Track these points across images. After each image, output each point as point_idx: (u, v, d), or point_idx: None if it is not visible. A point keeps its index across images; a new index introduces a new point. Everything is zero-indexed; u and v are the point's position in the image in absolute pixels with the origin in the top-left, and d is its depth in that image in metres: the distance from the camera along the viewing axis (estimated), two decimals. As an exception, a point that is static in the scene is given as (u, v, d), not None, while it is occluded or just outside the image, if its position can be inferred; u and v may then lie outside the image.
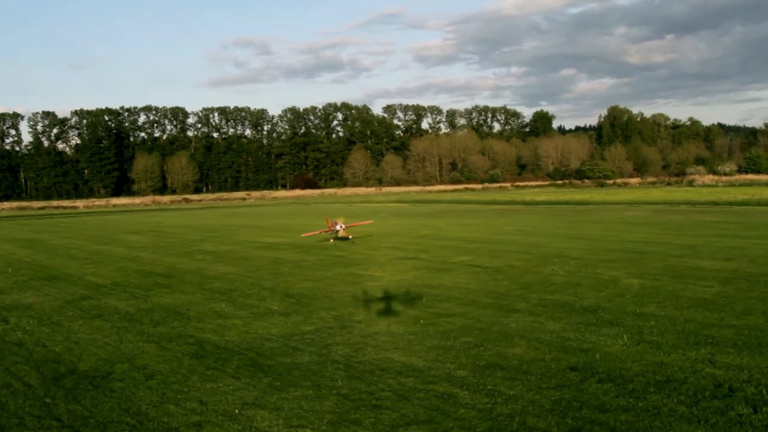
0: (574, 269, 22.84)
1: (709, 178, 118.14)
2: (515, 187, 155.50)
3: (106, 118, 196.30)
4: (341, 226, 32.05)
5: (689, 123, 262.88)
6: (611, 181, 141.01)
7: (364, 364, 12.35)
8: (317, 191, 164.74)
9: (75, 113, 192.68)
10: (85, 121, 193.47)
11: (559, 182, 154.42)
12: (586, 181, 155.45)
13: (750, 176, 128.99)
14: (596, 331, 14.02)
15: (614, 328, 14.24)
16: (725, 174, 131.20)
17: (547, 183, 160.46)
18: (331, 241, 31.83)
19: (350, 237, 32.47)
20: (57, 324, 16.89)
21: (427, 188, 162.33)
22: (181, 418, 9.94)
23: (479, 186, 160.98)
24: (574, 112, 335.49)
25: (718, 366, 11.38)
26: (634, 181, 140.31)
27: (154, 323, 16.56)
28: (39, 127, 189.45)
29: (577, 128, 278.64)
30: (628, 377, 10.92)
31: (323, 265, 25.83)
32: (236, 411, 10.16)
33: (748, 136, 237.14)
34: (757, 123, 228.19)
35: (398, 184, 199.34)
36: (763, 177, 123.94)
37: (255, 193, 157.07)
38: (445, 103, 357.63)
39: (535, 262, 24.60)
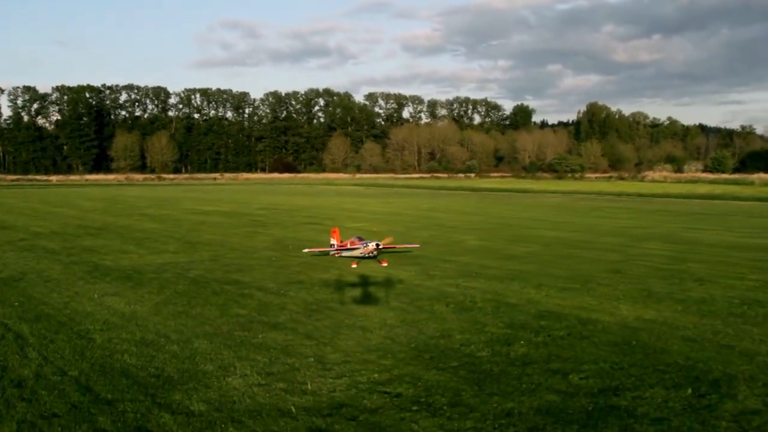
0: (439, 233, 27.63)
1: (660, 175, 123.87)
2: (480, 176, 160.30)
3: (88, 95, 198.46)
4: (374, 245, 20.09)
5: (668, 122, 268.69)
6: (571, 175, 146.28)
7: (208, 280, 17.03)
8: (290, 175, 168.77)
9: (56, 89, 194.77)
10: (66, 98, 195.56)
11: (523, 174, 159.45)
12: (554, 174, 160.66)
13: (709, 175, 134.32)
14: (405, 269, 18.89)
15: (417, 267, 19.11)
16: (692, 171, 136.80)
17: (510, 175, 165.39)
18: (354, 264, 19.55)
19: (383, 262, 19.95)
20: (-5, 255, 21.48)
21: (398, 176, 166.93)
22: (56, 299, 14.61)
23: (445, 175, 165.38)
24: (558, 108, 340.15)
25: (465, 287, 16.26)
26: (593, 175, 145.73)
27: (69, 255, 21.21)
28: (19, 102, 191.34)
29: (560, 123, 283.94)
30: (421, 293, 15.78)
31: (235, 226, 30.53)
32: (95, 296, 14.84)
33: (725, 137, 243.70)
34: (737, 125, 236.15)
35: (376, 171, 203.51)
36: (722, 176, 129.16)
37: (228, 175, 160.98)
38: (431, 93, 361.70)
39: (415, 228, 29.36)
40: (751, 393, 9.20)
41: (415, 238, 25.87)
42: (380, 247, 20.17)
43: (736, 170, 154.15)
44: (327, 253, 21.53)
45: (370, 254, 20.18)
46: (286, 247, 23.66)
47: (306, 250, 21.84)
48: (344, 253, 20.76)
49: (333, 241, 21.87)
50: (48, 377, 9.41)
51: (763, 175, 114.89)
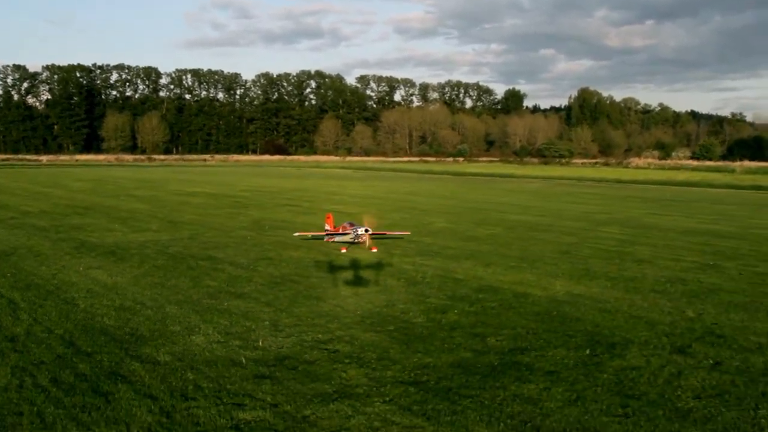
0: (410, 216, 29.20)
1: (644, 162, 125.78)
2: (468, 161, 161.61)
3: (78, 74, 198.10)
4: (363, 231, 20.33)
5: (659, 109, 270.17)
6: (558, 160, 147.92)
7: (185, 256, 18.53)
8: (280, 157, 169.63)
9: (46, 68, 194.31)
10: (56, 77, 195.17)
11: (511, 159, 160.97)
12: (541, 159, 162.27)
13: (693, 162, 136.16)
14: (388, 251, 20.44)
15: (382, 247, 20.63)
16: (681, 158, 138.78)
17: (497, 159, 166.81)
18: (343, 249, 20.15)
19: (373, 249, 20.25)
20: (-13, 232, 22.91)
21: (387, 159, 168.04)
22: (45, 271, 16.08)
23: (434, 159, 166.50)
24: (551, 92, 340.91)
25: (420, 264, 17.86)
26: (580, 161, 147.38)
27: (57, 232, 22.65)
28: (9, 81, 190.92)
29: (553, 108, 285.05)
30: (378, 269, 17.36)
31: (218, 207, 32.00)
32: (81, 269, 16.32)
33: (715, 124, 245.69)
34: (729, 113, 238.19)
35: (367, 154, 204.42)
36: (705, 164, 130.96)
37: (218, 156, 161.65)
38: (424, 76, 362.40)
39: (388, 210, 30.91)
40: (639, 354, 10.82)
41: (386, 220, 27.39)
42: (369, 232, 20.25)
43: (723, 157, 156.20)
44: (321, 238, 21.62)
45: (360, 240, 20.30)
46: (263, 227, 25.15)
47: (296, 234, 22.20)
48: (336, 238, 21.03)
49: (327, 227, 22.05)
50: (37, 334, 10.93)
51: (745, 163, 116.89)
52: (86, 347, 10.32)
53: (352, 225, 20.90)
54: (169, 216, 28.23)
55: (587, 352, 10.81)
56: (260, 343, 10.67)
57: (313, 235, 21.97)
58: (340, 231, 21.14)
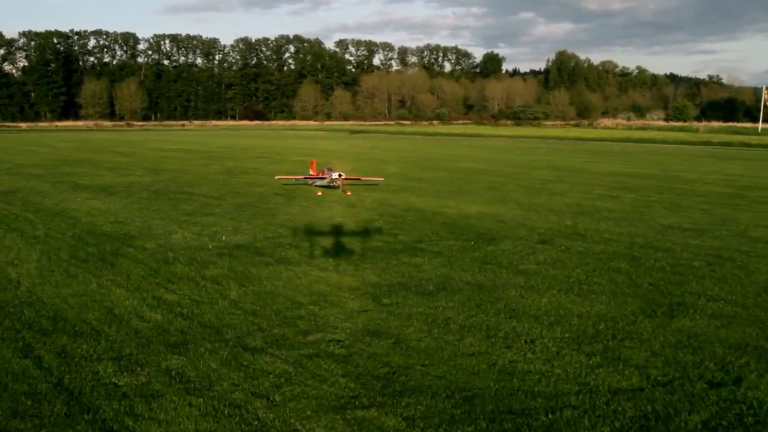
0: (368, 164, 32.64)
1: (613, 122, 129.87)
2: (445, 124, 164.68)
3: (55, 40, 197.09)
4: (337, 175, 22.27)
5: (637, 72, 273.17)
6: (530, 122, 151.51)
7: (166, 191, 21.90)
8: (258, 122, 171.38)
9: (23, 34, 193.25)
10: (33, 43, 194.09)
11: (485, 122, 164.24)
12: (516, 121, 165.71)
13: (662, 122, 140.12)
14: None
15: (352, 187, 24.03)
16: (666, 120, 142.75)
17: (471, 122, 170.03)
18: (319, 192, 21.90)
19: (348, 192, 22.00)
20: (-11, 178, 26.09)
21: (364, 123, 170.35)
22: (49, 202, 19.45)
23: (409, 122, 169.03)
24: (531, 56, 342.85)
25: (364, 196, 21.32)
26: (551, 123, 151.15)
27: (53, 177, 25.94)
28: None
29: (532, 71, 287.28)
30: (328, 198, 20.81)
31: (194, 159, 35.26)
32: (79, 200, 19.69)
33: (692, 87, 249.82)
34: (707, 75, 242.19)
35: (346, 119, 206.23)
36: (671, 124, 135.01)
37: (196, 122, 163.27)
38: (404, 40, 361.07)
39: (349, 160, 34.24)
40: (511, 243, 14.44)
41: (346, 167, 30.82)
42: (342, 177, 22.15)
43: (696, 119, 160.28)
44: (304, 183, 23.67)
45: (334, 184, 22.03)
46: (234, 172, 28.55)
47: (278, 177, 24.20)
48: (317, 182, 22.94)
49: (311, 171, 24.39)
50: (53, 236, 14.36)
51: (709, 124, 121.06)
52: (92, 241, 13.78)
53: (330, 170, 22.81)
54: (151, 166, 31.51)
55: (471, 243, 14.42)
56: (223, 238, 14.20)
57: (296, 179, 23.98)
58: (319, 175, 23.28)
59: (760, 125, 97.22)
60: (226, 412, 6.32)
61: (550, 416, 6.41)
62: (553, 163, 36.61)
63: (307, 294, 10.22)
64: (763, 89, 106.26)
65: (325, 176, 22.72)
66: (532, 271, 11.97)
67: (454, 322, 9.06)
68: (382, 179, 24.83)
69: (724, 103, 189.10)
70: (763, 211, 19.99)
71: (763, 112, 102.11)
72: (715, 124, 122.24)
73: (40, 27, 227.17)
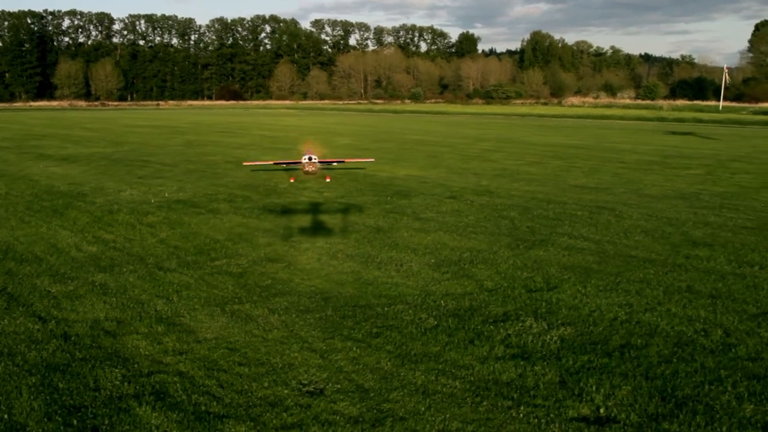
0: (322, 137, 34.38)
1: (579, 101, 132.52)
2: (413, 101, 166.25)
3: (29, 20, 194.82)
4: (306, 159, 19.26)
5: (611, 52, 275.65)
6: (501, 100, 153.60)
7: (124, 160, 23.52)
8: (233, 102, 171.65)
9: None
10: (6, 23, 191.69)
11: (458, 101, 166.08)
12: (488, 100, 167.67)
13: (628, 101, 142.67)
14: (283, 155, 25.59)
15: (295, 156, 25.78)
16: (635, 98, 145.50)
17: (444, 101, 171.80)
18: (292, 180, 18.95)
19: (327, 178, 19.34)
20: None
21: (338, 102, 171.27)
22: (13, 169, 21.02)
23: (381, 101, 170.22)
24: (508, 36, 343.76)
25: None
26: (519, 101, 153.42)
27: (19, 149, 27.46)
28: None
29: (509, 51, 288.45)
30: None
31: (159, 134, 36.75)
32: (42, 167, 21.32)
33: (665, 66, 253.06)
34: (680, 55, 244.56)
35: (322, 99, 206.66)
36: (636, 102, 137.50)
37: (171, 102, 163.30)
38: (381, 20, 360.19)
39: (307, 133, 35.97)
40: (422, 198, 16.32)
41: (301, 139, 32.59)
42: (315, 160, 19.25)
43: (666, 98, 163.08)
44: (270, 169, 21.20)
45: (308, 169, 19.23)
46: (192, 144, 30.19)
47: (246, 163, 22.05)
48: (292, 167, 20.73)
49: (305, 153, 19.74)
50: (13, 194, 16.06)
51: (674, 102, 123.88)
52: (48, 198, 15.51)
53: (310, 157, 19.52)
54: (116, 139, 33.03)
55: (387, 198, 16.33)
56: (166, 195, 15.99)
57: (266, 165, 21.70)
58: (298, 161, 20.13)
59: (721, 103, 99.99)
60: (132, 305, 8.21)
61: (385, 309, 8.33)
62: (501, 136, 38.59)
63: (226, 234, 12.08)
64: (724, 69, 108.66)
65: (299, 161, 19.81)
66: (430, 218, 13.89)
67: (342, 253, 10.96)
68: (371, 160, 22.65)
69: (693, 83, 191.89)
70: (671, 174, 22.06)
71: (724, 91, 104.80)
72: (680, 102, 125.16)
73: (13, 6, 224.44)
